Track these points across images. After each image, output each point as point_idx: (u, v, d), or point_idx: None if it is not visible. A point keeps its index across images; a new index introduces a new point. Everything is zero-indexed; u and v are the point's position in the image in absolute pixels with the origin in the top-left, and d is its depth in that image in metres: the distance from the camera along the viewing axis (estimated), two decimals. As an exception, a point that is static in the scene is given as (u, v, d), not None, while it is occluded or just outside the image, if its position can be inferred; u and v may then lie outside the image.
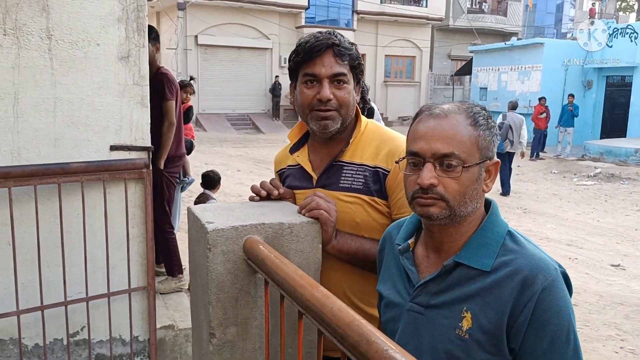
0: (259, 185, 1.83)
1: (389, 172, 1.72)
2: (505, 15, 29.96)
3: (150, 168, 2.98)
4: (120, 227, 2.95)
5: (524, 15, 30.19)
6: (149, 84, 3.01)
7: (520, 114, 18.65)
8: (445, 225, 1.27)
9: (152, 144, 3.04)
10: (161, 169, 4.38)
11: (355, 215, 1.72)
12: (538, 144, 16.27)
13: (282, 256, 1.40)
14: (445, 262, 1.26)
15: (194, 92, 6.15)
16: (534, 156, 15.98)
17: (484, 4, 29.84)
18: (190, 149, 5.65)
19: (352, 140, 1.77)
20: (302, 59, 1.70)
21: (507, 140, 11.88)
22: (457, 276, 1.25)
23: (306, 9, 24.84)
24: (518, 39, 22.79)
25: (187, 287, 4.48)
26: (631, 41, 18.00)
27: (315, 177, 1.80)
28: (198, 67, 22.82)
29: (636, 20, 26.41)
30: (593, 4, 34.66)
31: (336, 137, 1.78)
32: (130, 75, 2.90)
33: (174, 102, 4.42)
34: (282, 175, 1.97)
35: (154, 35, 4.25)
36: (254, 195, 1.82)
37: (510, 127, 11.94)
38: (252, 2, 23.14)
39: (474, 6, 29.56)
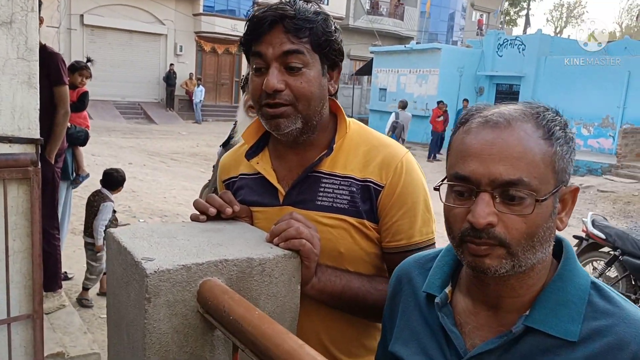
0: (204, 201, 1.35)
1: (383, 187, 1.32)
2: (402, 19, 30.75)
3: (39, 165, 2.35)
4: (-4, 240, 2.30)
5: (420, 20, 31.21)
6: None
7: (417, 116, 19.35)
8: (505, 276, 0.92)
9: (41, 135, 2.40)
10: (52, 164, 3.70)
11: (338, 243, 1.32)
12: (435, 146, 16.80)
13: (254, 307, 0.97)
14: (513, 328, 0.91)
15: (90, 76, 5.31)
16: (432, 157, 16.46)
17: (382, 7, 30.44)
18: (85, 139, 4.90)
19: (335, 145, 1.36)
20: (249, 37, 1.28)
21: (400, 139, 12.40)
22: (528, 347, 0.91)
23: (205, -4, 23.87)
24: (417, 43, 23.46)
25: (66, 304, 3.83)
26: (519, 52, 19.13)
27: (282, 191, 1.37)
28: (83, 48, 21.05)
29: (523, 34, 28.27)
30: (481, 15, 36.74)
31: (306, 140, 1.35)
32: (14, 47, 2.24)
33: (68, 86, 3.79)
34: (230, 186, 1.51)
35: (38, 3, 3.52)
36: (199, 214, 1.35)
37: (403, 126, 12.58)
38: (147, -16, 21.80)
39: (373, 8, 30.05)
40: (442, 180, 0.97)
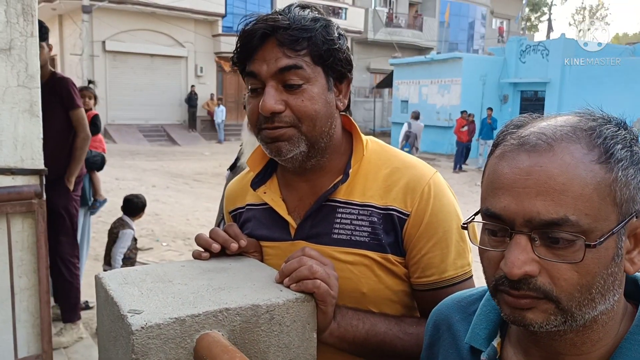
0: (207, 235, 1.19)
1: (408, 215, 1.15)
2: (421, 30, 30.60)
3: (44, 197, 2.23)
4: (2, 278, 2.19)
5: (439, 30, 31.01)
6: (40, 88, 2.27)
7: (441, 127, 19.19)
8: (558, 332, 0.74)
9: (46, 165, 2.29)
10: (70, 190, 3.62)
11: (359, 282, 1.15)
12: (461, 157, 16.50)
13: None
14: None
15: (94, 98, 5.17)
16: (457, 169, 16.17)
17: (401, 18, 30.36)
18: (101, 164, 4.82)
19: (352, 169, 1.19)
20: (241, 55, 1.13)
21: (414, 147, 12.97)
22: None
23: (223, 16, 24.04)
24: (437, 53, 23.27)
25: (84, 336, 3.71)
26: (542, 57, 18.78)
27: (294, 224, 1.21)
28: (106, 74, 21.39)
29: (546, 39, 27.86)
30: (501, 23, 36.40)
31: (315, 165, 1.19)
32: (14, 74, 2.14)
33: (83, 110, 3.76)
34: (237, 217, 1.35)
35: (43, 30, 3.42)
36: (202, 250, 1.19)
37: (416, 135, 13.25)
38: (166, 7, 22.03)
39: (391, 20, 30.00)
40: (473, 216, 0.80)
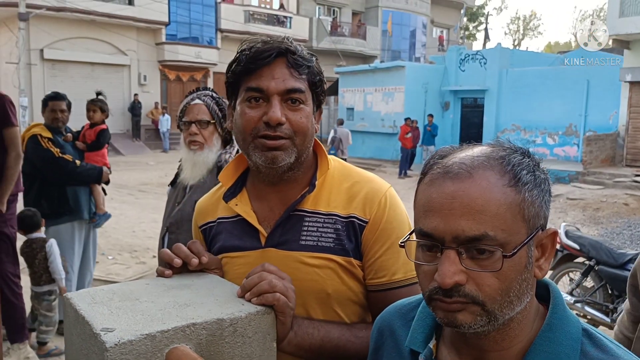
0: (170, 251, 1.26)
1: (367, 222, 1.28)
2: (364, 38, 31.12)
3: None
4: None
5: (382, 39, 31.63)
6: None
7: (386, 133, 19.57)
8: (483, 331, 0.86)
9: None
10: (3, 213, 3.52)
11: (325, 284, 1.26)
12: (405, 163, 16.89)
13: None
14: None
15: (102, 110, 4.90)
16: (402, 174, 16.54)
17: (345, 27, 30.77)
18: (98, 176, 4.65)
19: (317, 181, 1.32)
20: (245, 69, 1.24)
21: (340, 150, 15.08)
22: None
23: (167, 25, 23.71)
24: (381, 62, 23.72)
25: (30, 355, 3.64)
26: (481, 66, 19.48)
27: (264, 232, 1.31)
28: (44, 83, 20.67)
29: (483, 48, 28.86)
30: (441, 32, 37.46)
31: (288, 177, 1.31)
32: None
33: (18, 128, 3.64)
34: (208, 231, 1.43)
35: None
36: (164, 268, 1.25)
37: (340, 139, 15.28)
38: (107, 15, 21.53)
39: (335, 29, 30.36)
40: (408, 236, 0.91)
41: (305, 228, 1.29)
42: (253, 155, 1.27)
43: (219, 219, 1.40)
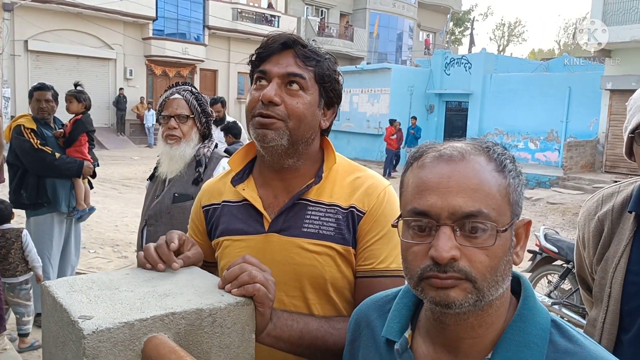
0: (152, 252, 1.23)
1: (364, 213, 1.34)
2: (352, 40, 31.20)
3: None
4: None
5: (369, 41, 31.73)
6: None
7: (371, 134, 19.58)
8: (464, 314, 0.89)
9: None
10: None
11: (323, 270, 1.31)
12: (390, 164, 17.02)
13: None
14: None
15: (78, 100, 4.75)
16: (387, 175, 16.61)
17: (332, 28, 30.82)
18: (78, 170, 4.58)
19: (325, 174, 1.38)
20: (258, 56, 1.33)
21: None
22: None
23: (154, 20, 23.54)
24: (367, 63, 23.79)
25: (8, 347, 3.59)
26: (466, 70, 19.64)
27: (268, 218, 1.36)
28: (28, 75, 20.42)
29: (468, 52, 29.08)
30: (428, 35, 37.69)
31: (291, 166, 1.37)
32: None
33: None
34: (211, 212, 1.47)
35: None
36: (146, 262, 1.25)
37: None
38: (93, 8, 21.31)
39: (323, 30, 30.40)
40: (399, 217, 0.94)
41: (308, 216, 1.35)
42: (251, 133, 1.34)
43: (224, 201, 1.46)
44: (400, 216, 0.94)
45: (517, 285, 0.97)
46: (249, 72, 1.43)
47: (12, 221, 4.25)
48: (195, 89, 2.73)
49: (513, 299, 0.96)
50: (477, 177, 0.87)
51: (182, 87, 2.70)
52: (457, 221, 0.86)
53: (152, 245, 1.25)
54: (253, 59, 1.36)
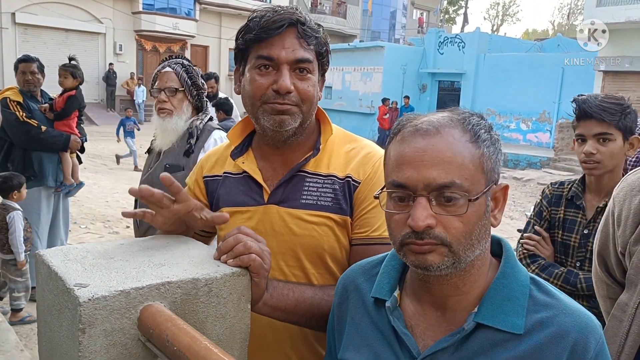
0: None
1: (360, 183, 1.36)
2: (345, 17, 30.91)
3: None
4: None
5: (362, 19, 31.46)
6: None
7: (363, 113, 19.50)
8: (447, 275, 0.97)
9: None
10: None
11: (322, 240, 1.34)
12: (383, 143, 16.82)
13: (201, 335, 0.89)
14: (465, 325, 0.96)
15: (74, 77, 4.70)
16: (378, 155, 16.64)
17: (325, 5, 30.50)
18: (64, 144, 4.54)
19: (322, 145, 1.40)
20: (256, 37, 1.29)
21: None
22: (478, 343, 0.95)
23: (144, -7, 23.18)
24: (360, 41, 23.63)
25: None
26: (459, 50, 19.56)
27: (268, 190, 1.38)
28: (16, 48, 20.09)
29: (461, 32, 28.94)
30: (421, 14, 37.42)
31: (292, 141, 1.38)
32: None
33: None
34: (213, 183, 1.48)
35: None
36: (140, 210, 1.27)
37: None
38: (82, -19, 20.97)
39: (315, 6, 30.08)
40: (382, 189, 1.00)
41: (306, 188, 1.37)
42: (262, 119, 1.33)
43: (225, 173, 1.47)
44: (383, 187, 1.00)
45: (498, 248, 1.05)
46: (236, 48, 1.38)
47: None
48: (189, 61, 2.72)
49: (494, 261, 1.04)
50: (450, 150, 0.92)
51: (175, 60, 2.70)
52: (432, 192, 0.92)
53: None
54: (250, 37, 1.30)
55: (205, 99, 2.77)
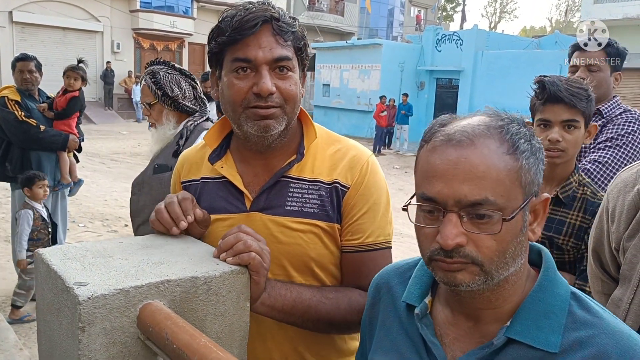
0: (165, 215, 1.24)
1: (348, 187, 1.30)
2: (342, 15, 30.91)
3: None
4: None
5: (360, 16, 31.44)
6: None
7: (361, 111, 19.46)
8: (478, 290, 0.91)
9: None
10: None
11: (308, 248, 1.29)
12: (380, 141, 17.03)
13: (200, 333, 0.90)
14: (494, 340, 0.90)
15: (81, 79, 4.73)
16: (376, 152, 16.62)
17: (323, 2, 30.47)
18: (63, 144, 4.56)
19: (306, 150, 1.33)
20: (229, 39, 1.21)
21: None
22: (508, 359, 0.89)
23: (141, -9, 23.13)
24: (358, 39, 23.59)
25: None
26: (457, 47, 19.53)
27: (249, 196, 1.32)
28: (13, 47, 20.01)
29: (459, 29, 28.92)
30: (419, 11, 37.40)
31: (275, 145, 1.32)
32: None
33: None
34: (192, 189, 1.41)
35: None
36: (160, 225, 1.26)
37: None
38: (79, -21, 20.90)
39: (313, 4, 30.04)
40: (410, 200, 0.94)
41: (291, 194, 1.31)
42: (245, 125, 1.26)
43: (202, 178, 1.40)
44: (412, 196, 0.94)
45: (538, 257, 0.98)
46: (209, 52, 1.30)
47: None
48: (164, 65, 2.64)
49: (532, 271, 0.97)
50: (484, 163, 0.85)
51: (150, 68, 2.63)
52: (463, 208, 0.85)
53: (162, 206, 1.25)
54: (223, 40, 1.23)
55: (201, 97, 2.71)
